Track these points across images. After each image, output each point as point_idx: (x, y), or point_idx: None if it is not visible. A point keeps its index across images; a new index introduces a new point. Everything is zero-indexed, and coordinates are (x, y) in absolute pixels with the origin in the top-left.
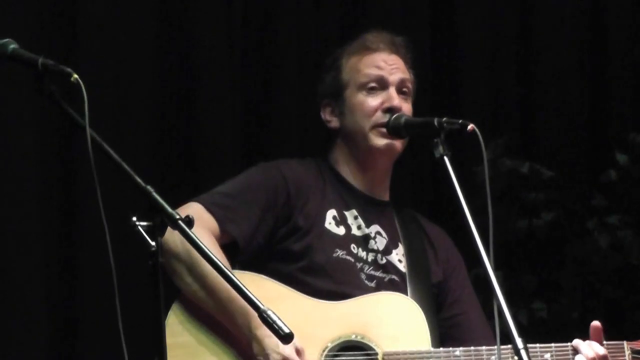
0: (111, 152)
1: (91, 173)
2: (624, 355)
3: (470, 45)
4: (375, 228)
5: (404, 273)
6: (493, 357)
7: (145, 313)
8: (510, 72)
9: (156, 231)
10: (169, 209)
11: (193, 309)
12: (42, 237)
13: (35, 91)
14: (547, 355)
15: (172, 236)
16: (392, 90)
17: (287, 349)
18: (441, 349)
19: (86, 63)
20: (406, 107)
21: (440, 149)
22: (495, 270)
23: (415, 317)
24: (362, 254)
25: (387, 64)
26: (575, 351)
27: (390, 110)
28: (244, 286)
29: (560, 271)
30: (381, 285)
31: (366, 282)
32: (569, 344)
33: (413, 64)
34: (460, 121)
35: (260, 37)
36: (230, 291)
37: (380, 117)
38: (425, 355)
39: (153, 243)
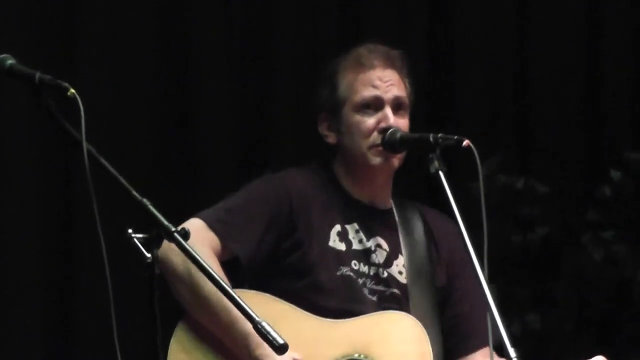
0: (108, 165)
1: (88, 186)
2: None
3: (467, 60)
4: (375, 241)
5: (404, 285)
6: None
7: (142, 325)
8: (506, 87)
9: (152, 243)
10: (165, 222)
11: (196, 328)
12: (39, 249)
13: (33, 105)
14: None
15: (173, 257)
16: (388, 110)
17: None
18: None
19: (83, 77)
20: (402, 123)
21: (436, 164)
22: (489, 282)
23: (418, 337)
24: (364, 268)
25: (383, 82)
26: None
27: (386, 130)
28: (240, 299)
29: (555, 284)
30: (383, 300)
31: (369, 296)
32: None
33: (409, 73)
34: (455, 137)
35: (257, 46)
36: (231, 313)
37: (376, 137)
38: None
39: (149, 255)
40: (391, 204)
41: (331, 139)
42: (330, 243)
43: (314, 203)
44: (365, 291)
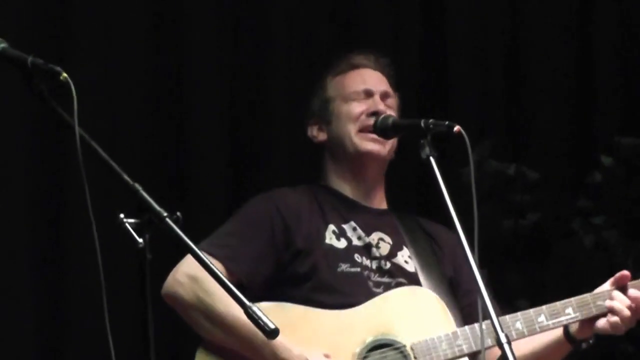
0: (100, 150)
1: (80, 172)
2: None
3: (459, 47)
4: (377, 235)
5: (413, 273)
6: (518, 323)
7: (133, 312)
8: (497, 74)
9: (144, 229)
10: (157, 207)
11: (217, 351)
12: (30, 234)
13: (24, 90)
14: (569, 310)
15: (179, 288)
16: (377, 97)
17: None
18: (466, 327)
19: (77, 63)
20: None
21: (427, 150)
22: (480, 268)
23: (432, 303)
24: (367, 262)
25: (372, 78)
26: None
27: (376, 114)
28: (231, 285)
29: (545, 270)
30: (389, 291)
31: (374, 289)
32: (587, 294)
33: (396, 85)
34: (446, 122)
35: (250, 57)
36: (247, 325)
37: (365, 120)
38: (451, 337)
39: (140, 240)
40: (387, 206)
41: (321, 137)
42: (327, 241)
43: (303, 211)
44: (370, 284)
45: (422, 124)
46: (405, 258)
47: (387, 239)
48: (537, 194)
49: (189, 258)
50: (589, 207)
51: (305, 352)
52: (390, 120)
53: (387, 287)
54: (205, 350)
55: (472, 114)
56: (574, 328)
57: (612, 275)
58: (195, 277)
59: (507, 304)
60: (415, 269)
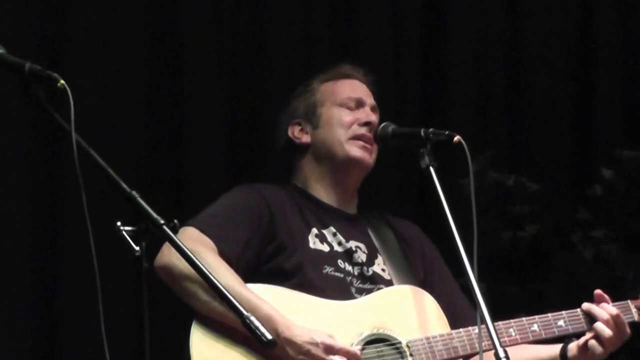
0: (97, 157)
1: (77, 178)
2: (632, 313)
3: (459, 58)
4: (354, 243)
5: (389, 280)
6: (511, 329)
7: (129, 318)
8: (498, 84)
9: (141, 236)
10: (154, 214)
11: (213, 324)
12: (27, 241)
13: (21, 96)
14: (561, 322)
15: (177, 260)
16: (368, 109)
17: (324, 338)
18: (461, 329)
19: (73, 69)
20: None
21: (427, 159)
22: (479, 281)
23: (429, 303)
24: (349, 268)
25: (362, 89)
26: (587, 315)
27: (367, 124)
28: (229, 292)
29: (544, 283)
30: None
31: (356, 295)
32: (578, 309)
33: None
34: (446, 132)
35: (250, 60)
36: (251, 301)
37: (356, 129)
38: (447, 338)
39: (137, 248)
40: (357, 211)
41: (304, 139)
42: (311, 245)
43: (288, 210)
44: (353, 290)
45: (422, 133)
46: (382, 266)
47: (363, 247)
48: (537, 206)
49: (182, 234)
50: (589, 220)
51: (311, 332)
52: (390, 129)
53: (369, 293)
54: (201, 325)
55: (472, 125)
56: (572, 352)
57: (612, 288)
58: (192, 249)
59: (507, 317)
60: (390, 277)
